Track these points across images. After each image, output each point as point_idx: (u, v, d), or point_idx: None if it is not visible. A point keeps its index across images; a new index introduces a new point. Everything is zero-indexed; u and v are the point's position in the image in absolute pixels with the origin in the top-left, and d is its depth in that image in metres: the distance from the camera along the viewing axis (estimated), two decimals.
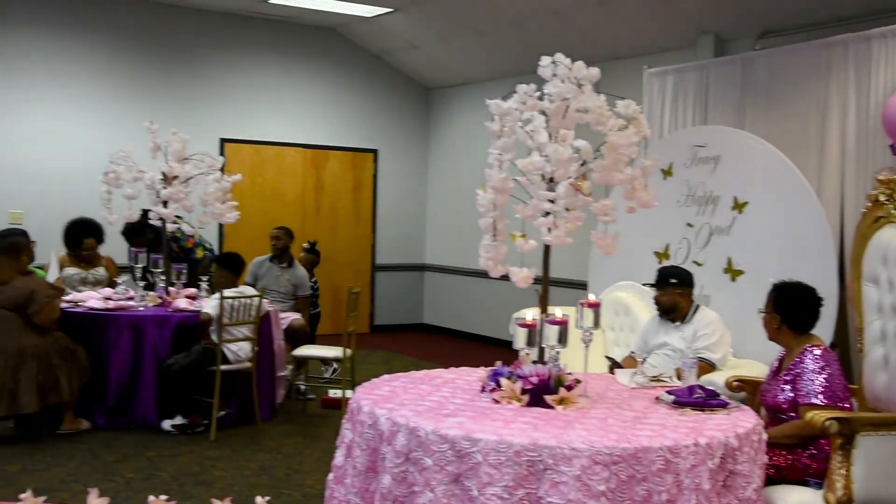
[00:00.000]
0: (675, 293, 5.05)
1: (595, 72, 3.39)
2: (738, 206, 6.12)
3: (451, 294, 11.17)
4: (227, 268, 6.27)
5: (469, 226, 10.37)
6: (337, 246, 10.91)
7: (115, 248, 7.20)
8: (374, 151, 11.18)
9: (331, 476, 3.35)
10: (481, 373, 3.66)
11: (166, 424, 5.94)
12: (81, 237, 6.64)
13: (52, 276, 6.28)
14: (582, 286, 7.42)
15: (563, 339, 3.35)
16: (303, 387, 6.94)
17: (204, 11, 9.87)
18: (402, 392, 3.40)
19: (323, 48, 10.69)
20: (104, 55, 9.43)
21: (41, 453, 5.35)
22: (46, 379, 5.53)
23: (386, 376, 3.77)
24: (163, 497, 4.37)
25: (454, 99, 11.13)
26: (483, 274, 3.68)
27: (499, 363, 3.48)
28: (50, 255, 6.63)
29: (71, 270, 6.62)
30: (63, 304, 5.91)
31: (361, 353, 7.69)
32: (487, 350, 9.59)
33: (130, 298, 6.33)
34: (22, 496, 4.24)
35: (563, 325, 3.35)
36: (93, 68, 9.35)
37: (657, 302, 5.14)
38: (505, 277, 3.52)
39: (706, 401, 3.29)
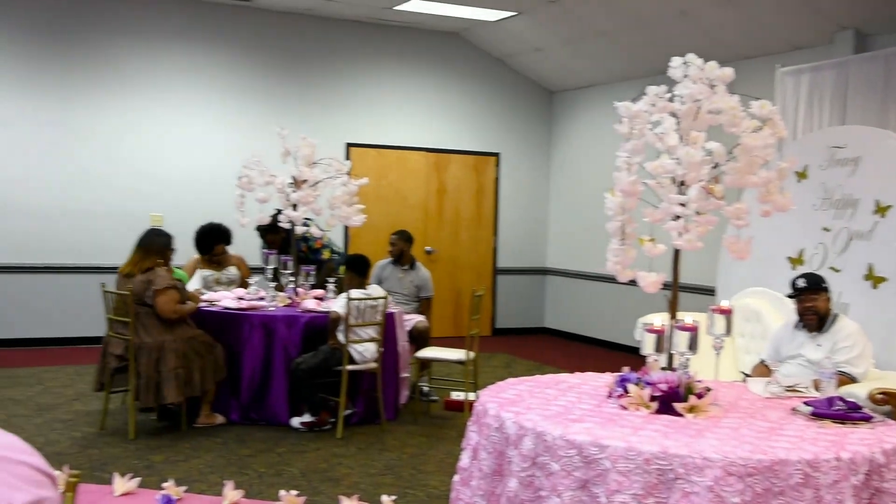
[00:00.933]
0: (814, 298, 4.80)
1: (728, 72, 3.31)
2: (881, 210, 5.83)
3: (572, 298, 11.06)
4: (355, 270, 6.38)
5: (592, 229, 10.45)
6: (459, 249, 10.99)
7: (246, 250, 7.46)
8: (497, 155, 11.20)
9: (456, 478, 3.37)
10: (608, 378, 3.62)
11: (295, 422, 6.10)
12: (212, 243, 6.89)
13: (194, 283, 6.55)
14: (709, 292, 7.23)
15: (693, 345, 3.28)
16: (426, 388, 7.00)
17: (331, 20, 10.12)
18: (528, 396, 3.40)
19: (446, 53, 10.79)
20: (237, 65, 9.80)
21: (181, 445, 5.58)
22: (185, 373, 5.78)
23: (511, 380, 3.77)
24: (293, 492, 4.53)
25: (578, 102, 11.03)
26: (606, 278, 3.65)
27: (626, 369, 3.43)
28: (191, 258, 6.91)
29: (205, 272, 6.88)
30: (200, 304, 6.17)
31: (483, 356, 7.70)
32: (610, 355, 9.46)
33: (262, 298, 6.53)
34: (164, 485, 4.46)
35: (693, 331, 3.28)
36: (227, 78, 9.74)
37: (803, 311, 4.88)
38: (631, 282, 3.47)
39: (847, 413, 3.15)
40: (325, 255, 7.69)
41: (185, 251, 6.91)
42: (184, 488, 4.54)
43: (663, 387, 3.17)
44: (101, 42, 9.18)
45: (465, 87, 10.97)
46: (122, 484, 4.44)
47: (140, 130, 9.33)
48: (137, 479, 4.54)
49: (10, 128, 8.83)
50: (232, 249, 7.10)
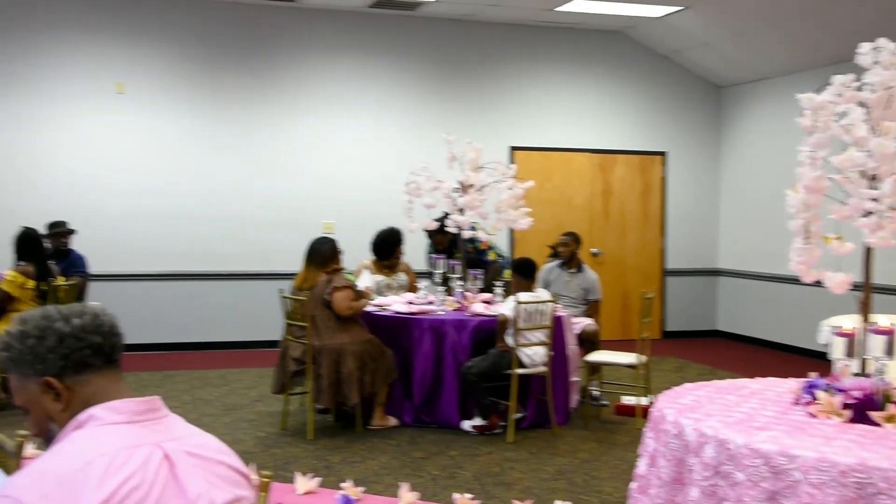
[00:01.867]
0: None
1: None
2: None
3: (747, 299, 10.62)
4: (522, 273, 6.37)
5: (767, 229, 10.02)
6: (625, 251, 10.80)
7: (413, 255, 7.61)
8: (663, 154, 10.92)
9: (634, 485, 3.29)
10: (792, 384, 3.44)
11: (466, 425, 6.16)
12: (395, 247, 7.05)
13: (364, 282, 6.73)
14: None
15: (890, 350, 3.06)
16: (596, 392, 6.91)
17: (493, 24, 10.20)
18: (707, 402, 3.28)
19: (609, 52, 10.63)
20: (403, 73, 10.05)
21: (357, 446, 5.75)
22: (361, 375, 5.97)
23: (688, 385, 3.65)
24: (467, 495, 4.58)
25: (749, 96, 10.59)
26: (785, 278, 3.48)
27: (813, 374, 3.25)
28: (360, 264, 7.12)
29: (378, 277, 7.06)
30: (371, 308, 6.36)
31: (653, 359, 7.51)
32: (789, 359, 9.03)
33: (430, 303, 6.65)
34: (343, 485, 4.61)
35: (889, 334, 3.06)
36: (393, 86, 10.01)
37: None
38: (814, 283, 3.28)
39: None
40: (491, 256, 7.73)
41: (353, 257, 7.12)
42: (361, 489, 4.67)
43: (857, 394, 2.97)
44: (273, 55, 9.65)
45: (630, 86, 10.77)
46: (304, 483, 4.62)
47: (311, 140, 9.74)
48: (318, 479, 4.71)
49: (197, 142, 9.43)
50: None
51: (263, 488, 2.19)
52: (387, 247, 7.05)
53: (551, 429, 6.13)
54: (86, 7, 9.10)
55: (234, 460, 2.00)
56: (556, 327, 6.26)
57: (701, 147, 11.08)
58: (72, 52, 9.08)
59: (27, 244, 6.86)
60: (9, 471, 2.34)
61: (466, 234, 6.83)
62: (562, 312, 6.48)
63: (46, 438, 1.98)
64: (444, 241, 7.26)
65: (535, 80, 10.46)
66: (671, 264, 11.02)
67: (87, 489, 1.74)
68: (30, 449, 2.44)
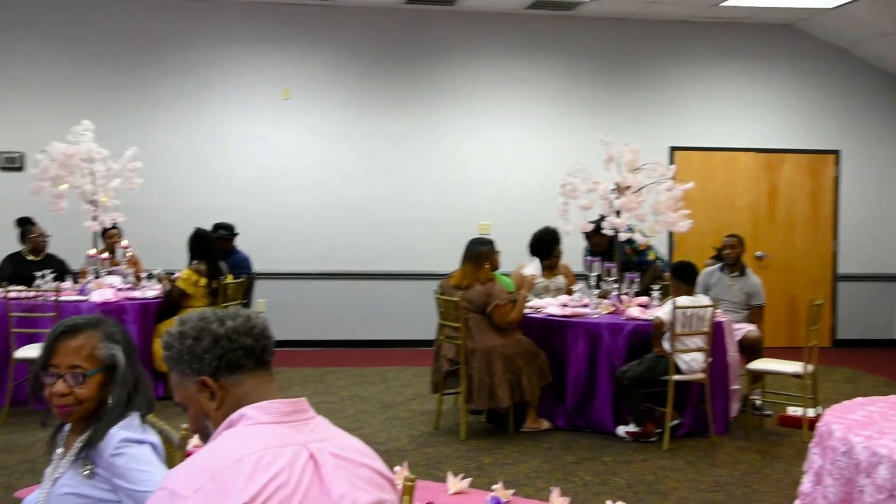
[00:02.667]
0: None
1: None
2: None
3: None
4: (681, 278, 6.21)
5: None
6: (793, 254, 10.33)
7: (570, 257, 7.55)
8: (836, 152, 10.34)
9: (797, 503, 3.12)
10: None
11: (620, 430, 6.06)
12: (552, 246, 7.01)
13: (530, 270, 6.78)
14: None
15: None
16: (759, 402, 6.63)
17: (654, 22, 10.01)
18: (880, 418, 3.06)
19: (777, 46, 10.18)
20: (560, 74, 10.04)
21: (508, 448, 5.78)
22: (513, 378, 5.99)
23: (860, 399, 3.42)
24: (619, 503, 4.49)
25: None
26: None
27: None
28: (519, 265, 7.15)
29: (538, 280, 7.04)
30: (526, 310, 6.36)
31: (822, 369, 7.15)
32: None
33: (585, 305, 6.57)
34: (494, 487, 4.62)
35: None
36: (550, 87, 10.02)
37: None
38: None
39: None
40: (651, 256, 7.54)
41: (509, 258, 7.12)
42: (511, 491, 4.66)
43: None
44: (431, 59, 9.91)
45: (800, 81, 10.29)
46: (455, 483, 4.66)
47: (467, 142, 9.90)
48: (469, 479, 4.75)
49: (358, 146, 9.78)
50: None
51: (407, 492, 2.20)
52: (544, 246, 7.01)
53: (709, 438, 5.96)
54: (254, 20, 9.62)
55: (379, 464, 2.04)
56: (716, 333, 6.08)
57: (879, 144, 10.44)
58: (244, 62, 9.62)
59: (199, 244, 7.28)
60: (173, 462, 2.47)
61: (623, 235, 6.74)
62: (722, 318, 6.29)
63: (203, 435, 2.08)
64: (602, 242, 7.14)
65: (698, 77, 10.21)
66: (844, 269, 10.41)
67: (237, 485, 1.81)
68: (192, 441, 2.60)
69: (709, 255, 7.45)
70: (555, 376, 6.22)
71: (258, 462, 1.87)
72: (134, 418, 2.51)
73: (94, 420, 2.51)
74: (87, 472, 2.41)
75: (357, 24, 9.74)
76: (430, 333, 7.39)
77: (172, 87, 9.50)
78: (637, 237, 6.86)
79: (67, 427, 2.55)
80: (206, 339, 2.05)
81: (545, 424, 6.24)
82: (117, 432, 2.44)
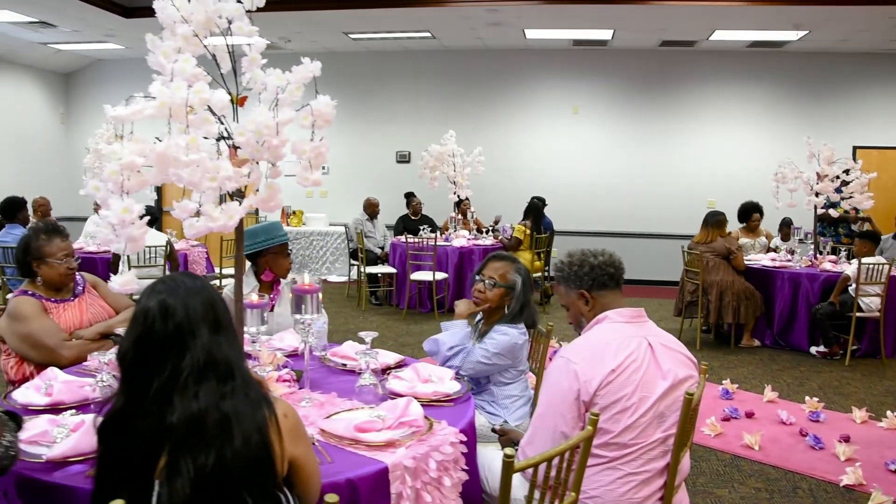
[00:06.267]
0: None
1: None
2: None
3: None
4: (869, 239, 7.62)
5: None
6: None
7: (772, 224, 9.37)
8: None
9: None
10: None
11: (813, 350, 7.52)
12: (750, 213, 8.84)
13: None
14: None
15: None
16: None
17: (849, 54, 11.52)
18: None
19: None
20: (768, 97, 11.98)
21: (730, 357, 7.34)
22: (736, 306, 7.66)
23: None
24: (814, 398, 5.86)
25: None
26: None
27: None
28: (736, 230, 8.93)
29: (744, 239, 8.87)
30: (748, 261, 8.06)
31: None
32: None
33: (790, 259, 8.22)
34: (723, 382, 6.29)
35: None
36: (760, 105, 11.97)
37: None
38: None
39: None
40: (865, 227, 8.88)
41: (731, 225, 8.82)
42: (736, 385, 6.24)
43: None
44: (680, 85, 12.29)
45: None
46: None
47: (701, 140, 12.14)
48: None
49: (629, 148, 12.24)
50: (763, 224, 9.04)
51: (703, 372, 2.63)
52: (743, 213, 8.77)
53: (880, 359, 7.21)
54: (549, 62, 12.22)
55: (687, 351, 2.41)
56: (892, 284, 7.30)
57: None
58: (540, 86, 12.30)
59: (530, 209, 9.99)
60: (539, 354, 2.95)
61: (833, 213, 8.20)
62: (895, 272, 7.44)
63: (577, 327, 2.45)
64: (825, 218, 8.39)
65: (879, 94, 11.64)
66: None
67: (608, 356, 2.17)
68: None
69: (890, 229, 8.65)
70: (766, 309, 7.76)
71: (619, 345, 2.19)
72: (521, 327, 3.15)
73: (494, 316, 3.15)
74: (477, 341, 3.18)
75: (624, 61, 12.14)
76: (672, 276, 9.66)
77: (496, 110, 12.52)
78: (831, 212, 8.29)
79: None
80: (586, 266, 2.35)
81: (756, 343, 7.83)
82: (508, 329, 3.08)
